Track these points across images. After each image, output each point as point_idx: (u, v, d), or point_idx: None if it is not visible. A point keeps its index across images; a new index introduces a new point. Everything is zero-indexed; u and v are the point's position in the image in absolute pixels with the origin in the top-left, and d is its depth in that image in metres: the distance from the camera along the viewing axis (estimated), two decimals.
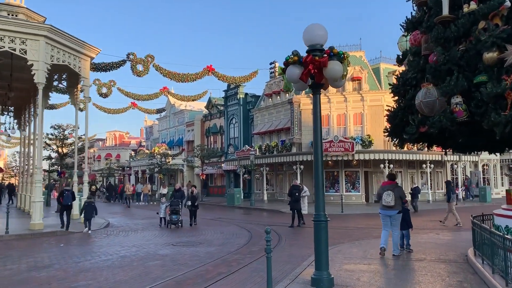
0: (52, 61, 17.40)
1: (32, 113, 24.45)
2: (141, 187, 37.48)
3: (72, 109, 19.60)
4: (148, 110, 46.88)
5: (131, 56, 29.96)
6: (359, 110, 31.16)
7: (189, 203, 17.71)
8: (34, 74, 16.63)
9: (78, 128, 30.31)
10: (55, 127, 26.23)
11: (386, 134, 9.87)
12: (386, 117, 9.62)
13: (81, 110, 41.01)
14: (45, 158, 27.07)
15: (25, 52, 16.52)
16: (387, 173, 28.62)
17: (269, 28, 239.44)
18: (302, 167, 29.75)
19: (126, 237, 14.96)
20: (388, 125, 9.87)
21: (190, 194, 17.93)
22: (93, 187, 32.58)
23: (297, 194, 17.10)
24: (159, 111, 48.60)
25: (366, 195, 30.91)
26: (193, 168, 45.16)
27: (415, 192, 24.03)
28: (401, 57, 9.85)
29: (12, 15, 18.43)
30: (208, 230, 16.45)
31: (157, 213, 17.88)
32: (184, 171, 47.48)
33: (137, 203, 36.21)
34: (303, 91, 33.18)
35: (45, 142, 26.23)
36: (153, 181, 46.24)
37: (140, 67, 30.38)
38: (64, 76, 22.15)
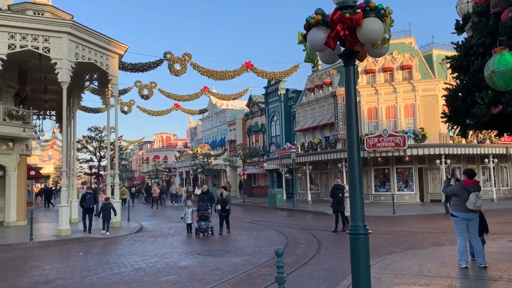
0: (76, 59, 16.65)
1: (68, 115, 24.14)
2: (175, 188, 36.83)
3: (117, 112, 19.29)
4: (191, 111, 46.34)
5: (168, 55, 29.19)
6: (410, 101, 28.52)
7: (219, 207, 15.44)
8: (58, 73, 15.94)
9: (112, 131, 30.09)
10: (92, 129, 25.96)
11: (445, 120, 7.89)
12: (445, 99, 7.67)
13: (125, 113, 41.14)
14: (83, 161, 27.04)
15: (48, 50, 15.86)
16: (444, 168, 26.07)
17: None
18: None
19: (152, 244, 13.79)
20: (446, 110, 7.90)
21: (219, 197, 15.69)
22: (133, 189, 32.34)
23: (340, 194, 15.21)
24: (201, 111, 47.98)
25: (420, 194, 28.24)
26: (236, 168, 44.02)
27: None
28: (461, 22, 7.85)
29: (38, 14, 17.91)
30: (241, 235, 14.96)
31: (181, 218, 15.79)
32: (227, 172, 46.50)
33: (176, 204, 35.62)
34: None
35: (82, 144, 26.04)
36: (197, 182, 45.60)
37: (177, 66, 29.56)
38: (95, 76, 21.50)
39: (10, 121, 18.31)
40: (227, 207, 15.40)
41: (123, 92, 34.74)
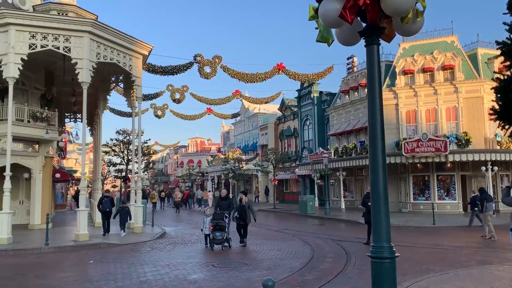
0: (98, 59, 16.22)
1: (95, 118, 24.00)
2: (201, 193, 36.26)
3: (151, 116, 19.07)
4: (223, 115, 45.86)
5: (198, 58, 28.93)
6: (452, 104, 26.59)
7: (236, 214, 13.62)
8: (79, 73, 15.54)
9: (143, 133, 29.78)
10: (120, 132, 25.78)
11: (494, 117, 6.61)
12: (494, 91, 6.38)
13: (158, 117, 41.11)
14: (111, 164, 26.88)
15: (69, 50, 15.49)
16: (490, 176, 23.93)
17: None
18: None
19: (168, 253, 13.00)
20: (495, 105, 6.61)
21: (238, 203, 13.86)
22: (163, 193, 32.04)
23: (369, 203, 13.90)
24: (234, 115, 47.41)
25: (463, 204, 26.17)
26: (267, 174, 43.02)
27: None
28: None
29: (62, 14, 17.68)
30: (264, 245, 13.91)
31: (201, 230, 13.77)
32: (258, 177, 45.55)
33: (201, 208, 35.22)
34: (384, 84, 29.48)
35: (110, 147, 25.83)
36: (228, 186, 44.98)
37: (207, 69, 29.24)
38: (121, 78, 21.14)
39: (34, 122, 18.13)
40: (247, 216, 13.54)
41: (156, 96, 34.70)
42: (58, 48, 15.39)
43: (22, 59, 14.93)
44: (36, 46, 15.17)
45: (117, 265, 10.86)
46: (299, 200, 29.07)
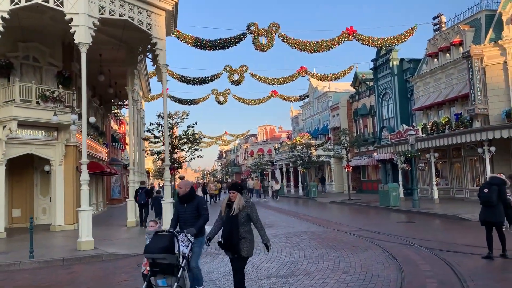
0: (101, 14, 12.56)
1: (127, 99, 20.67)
2: (252, 183, 32.19)
3: (212, 102, 15.78)
4: (289, 98, 41.29)
5: (252, 28, 24.92)
6: None
7: (221, 239, 5.86)
8: (75, 32, 11.95)
9: (187, 116, 26.19)
10: (162, 116, 22.50)
11: None
12: None
13: (220, 103, 37.69)
14: (155, 153, 23.80)
15: (62, 3, 11.99)
16: None
17: None
18: (492, 149, 19.81)
19: None
20: None
21: (224, 211, 5.96)
22: (218, 184, 28.87)
23: (485, 190, 8.80)
24: (301, 98, 42.54)
25: None
26: (340, 160, 37.72)
27: None
28: None
29: None
30: (325, 261, 9.25)
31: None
32: (331, 164, 40.34)
33: (257, 199, 31.46)
34: (487, 38, 22.98)
35: (152, 133, 22.63)
36: (296, 175, 40.47)
37: (263, 40, 25.12)
38: (149, 47, 17.42)
39: (44, 104, 15.03)
40: (240, 240, 5.69)
41: (213, 78, 31.26)
42: (48, 1, 11.91)
43: (2, 17, 11.65)
44: (19, 1, 11.81)
45: None
46: (379, 189, 23.72)
